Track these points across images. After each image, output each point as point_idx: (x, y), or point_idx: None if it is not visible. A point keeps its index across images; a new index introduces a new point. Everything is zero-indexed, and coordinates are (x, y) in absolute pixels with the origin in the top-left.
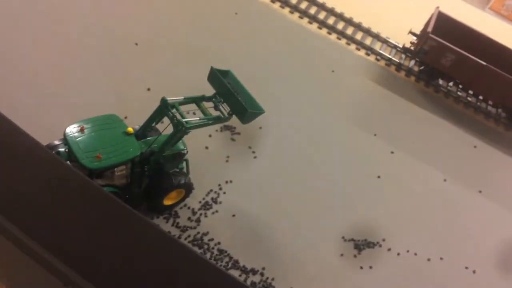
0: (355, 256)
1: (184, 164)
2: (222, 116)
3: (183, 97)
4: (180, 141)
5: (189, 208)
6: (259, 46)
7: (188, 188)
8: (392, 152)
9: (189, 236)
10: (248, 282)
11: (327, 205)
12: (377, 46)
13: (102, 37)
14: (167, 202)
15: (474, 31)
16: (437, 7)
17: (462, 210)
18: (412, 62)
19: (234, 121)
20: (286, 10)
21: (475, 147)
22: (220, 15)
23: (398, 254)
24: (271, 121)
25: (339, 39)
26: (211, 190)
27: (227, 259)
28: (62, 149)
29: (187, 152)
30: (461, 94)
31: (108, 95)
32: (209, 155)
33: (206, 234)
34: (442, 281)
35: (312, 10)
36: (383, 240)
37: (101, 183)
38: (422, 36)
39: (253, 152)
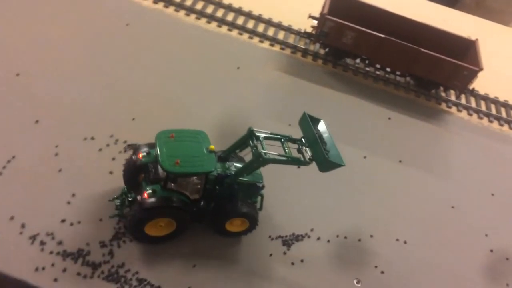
0: (284, 253)
1: (258, 198)
2: (302, 160)
3: (269, 132)
4: (260, 174)
5: (100, 242)
6: (157, 55)
7: (252, 221)
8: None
9: (102, 272)
10: None
11: None
12: (281, 35)
13: None
14: (230, 227)
15: (370, 6)
16: None
17: (386, 184)
18: (318, 45)
19: (139, 137)
20: (182, 13)
21: (389, 118)
22: (110, 28)
23: (328, 241)
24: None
25: (241, 34)
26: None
27: (148, 287)
28: (144, 149)
29: (263, 186)
30: (369, 69)
31: None
32: (115, 179)
33: (121, 266)
34: (374, 258)
35: (209, 10)
36: (311, 230)
37: (173, 188)
38: (321, 19)
39: None
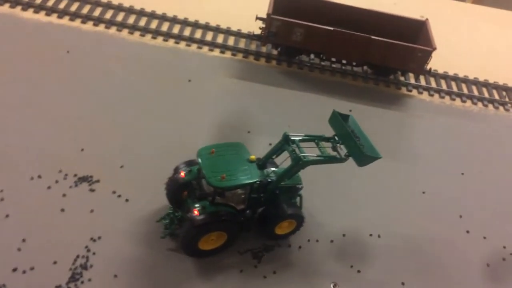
0: (255, 266)
1: (298, 198)
2: (338, 157)
3: (303, 134)
4: (298, 176)
5: (56, 287)
6: (103, 79)
7: (299, 220)
8: (270, 144)
9: None
10: None
11: None
12: (231, 41)
13: None
14: (279, 231)
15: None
16: None
17: (351, 178)
18: (270, 46)
19: (91, 169)
20: (125, 32)
21: (350, 110)
22: (49, 57)
23: (300, 247)
24: (131, 156)
25: (189, 45)
26: (78, 256)
27: None
28: (184, 167)
29: (302, 187)
30: (324, 64)
31: None
32: (68, 217)
33: None
34: (349, 257)
35: (153, 25)
36: None
37: (220, 202)
38: (267, 19)
39: (119, 196)
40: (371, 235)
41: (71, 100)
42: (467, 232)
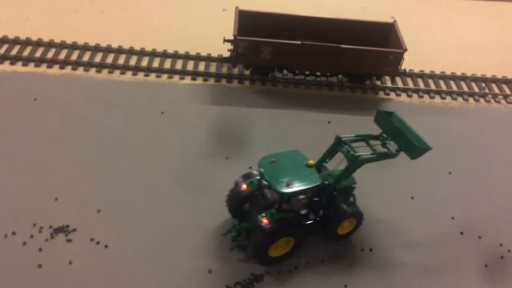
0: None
1: (351, 198)
2: (389, 152)
3: (353, 135)
4: (352, 176)
5: None
6: (73, 122)
7: (359, 217)
8: (250, 168)
9: None
10: None
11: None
12: (202, 66)
13: None
14: (341, 231)
15: (282, 15)
16: (237, 7)
17: None
18: (241, 67)
19: (67, 217)
20: (92, 71)
21: (329, 122)
22: (16, 107)
23: (290, 272)
24: (108, 198)
25: (159, 76)
26: None
27: None
28: (243, 180)
29: (356, 186)
30: (298, 78)
31: None
32: (45, 273)
33: None
34: (341, 275)
35: (121, 60)
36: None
37: (285, 208)
38: (233, 41)
39: (98, 243)
40: (362, 249)
41: (40, 148)
42: (461, 233)
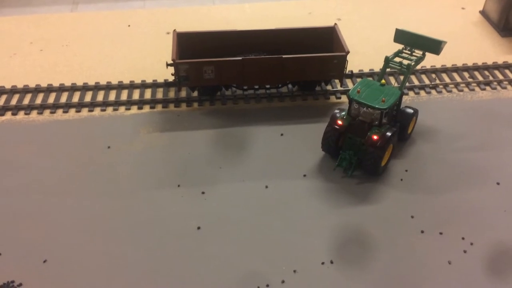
0: None
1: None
2: (421, 56)
3: (393, 53)
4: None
5: None
6: (15, 172)
7: (417, 115)
8: (203, 193)
9: None
10: None
11: None
12: (148, 94)
13: None
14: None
15: (221, 32)
16: (174, 30)
17: (291, 208)
18: (188, 90)
19: (11, 273)
20: (34, 114)
21: (282, 134)
22: None
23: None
24: (54, 247)
25: (104, 110)
26: None
27: None
28: (338, 114)
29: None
30: (247, 93)
31: None
32: None
33: None
34: None
35: (63, 98)
36: None
37: (384, 122)
38: (174, 65)
39: None
40: (323, 263)
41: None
42: (422, 232)
